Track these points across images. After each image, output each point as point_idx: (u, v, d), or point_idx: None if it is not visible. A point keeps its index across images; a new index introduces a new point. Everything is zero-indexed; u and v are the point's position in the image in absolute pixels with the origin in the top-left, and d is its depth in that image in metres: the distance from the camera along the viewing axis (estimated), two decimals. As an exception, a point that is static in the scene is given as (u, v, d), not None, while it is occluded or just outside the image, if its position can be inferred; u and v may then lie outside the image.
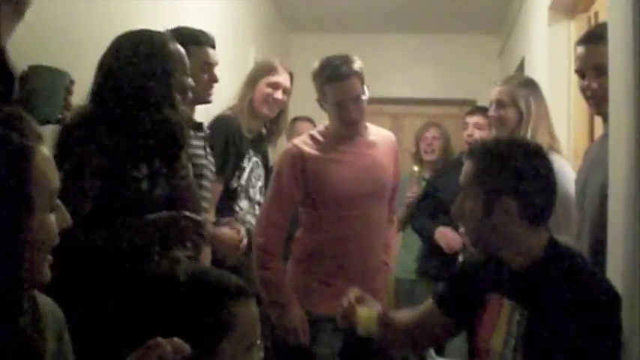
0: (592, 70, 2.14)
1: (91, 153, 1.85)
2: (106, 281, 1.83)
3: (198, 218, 1.96)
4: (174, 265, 1.34)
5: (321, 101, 2.73)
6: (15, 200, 1.04)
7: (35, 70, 1.66)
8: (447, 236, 3.68)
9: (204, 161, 2.69)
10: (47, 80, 1.65)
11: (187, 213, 1.96)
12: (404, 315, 2.11)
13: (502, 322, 1.80)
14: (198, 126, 2.72)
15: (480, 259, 1.97)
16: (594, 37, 2.13)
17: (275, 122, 3.29)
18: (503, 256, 1.82)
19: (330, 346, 2.66)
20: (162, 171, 2.04)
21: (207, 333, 1.27)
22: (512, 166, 1.78)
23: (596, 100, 2.15)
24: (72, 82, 1.71)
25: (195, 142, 2.65)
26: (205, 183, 2.68)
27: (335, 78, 2.64)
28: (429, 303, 2.04)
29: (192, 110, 2.68)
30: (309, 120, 4.40)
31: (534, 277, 1.77)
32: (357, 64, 2.67)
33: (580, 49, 2.19)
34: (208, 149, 2.78)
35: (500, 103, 2.80)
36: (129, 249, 1.90)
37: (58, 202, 1.13)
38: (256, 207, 3.17)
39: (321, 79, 2.68)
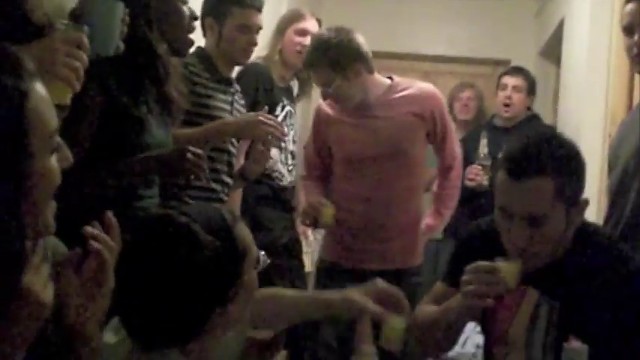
0: None
1: (94, 91, 1.82)
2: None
3: (199, 151, 1.95)
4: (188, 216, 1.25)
5: None
6: (12, 148, 0.96)
7: (91, 3, 1.62)
8: (478, 173, 3.65)
9: (227, 116, 2.59)
10: (105, 12, 1.62)
11: (190, 147, 1.95)
12: (426, 312, 1.88)
13: (525, 310, 1.72)
14: (227, 80, 2.67)
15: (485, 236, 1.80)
16: None
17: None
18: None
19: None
20: (157, 111, 2.03)
21: (222, 296, 1.25)
22: (577, 169, 1.66)
23: None
24: (126, 12, 1.67)
25: (222, 97, 2.60)
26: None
27: None
28: (441, 290, 1.91)
29: (231, 69, 2.69)
30: None
31: (564, 267, 1.68)
32: None
33: (630, 6, 2.06)
34: (238, 105, 2.70)
35: None
36: (132, 185, 1.94)
37: (59, 140, 1.06)
38: (289, 157, 3.13)
39: None
